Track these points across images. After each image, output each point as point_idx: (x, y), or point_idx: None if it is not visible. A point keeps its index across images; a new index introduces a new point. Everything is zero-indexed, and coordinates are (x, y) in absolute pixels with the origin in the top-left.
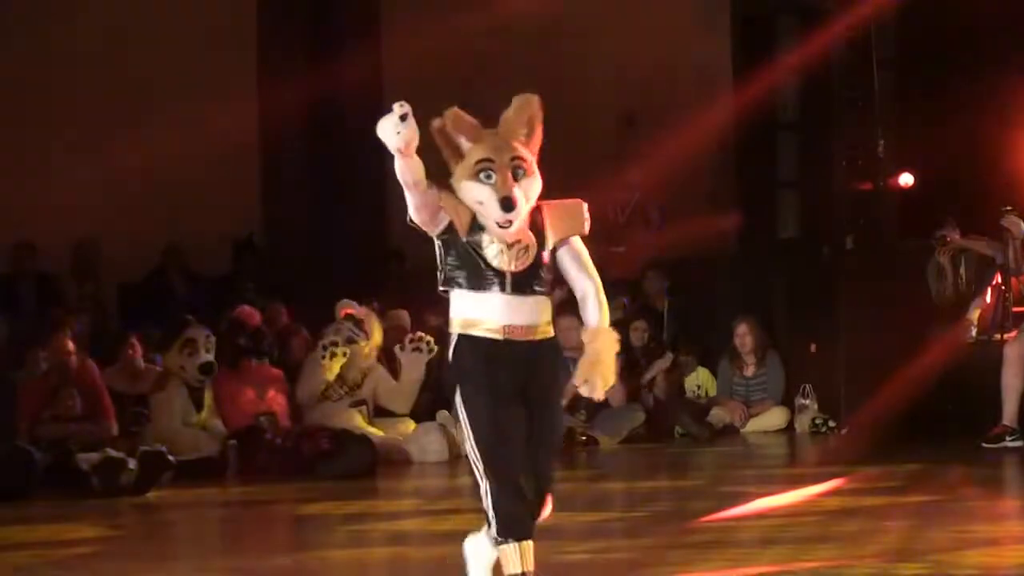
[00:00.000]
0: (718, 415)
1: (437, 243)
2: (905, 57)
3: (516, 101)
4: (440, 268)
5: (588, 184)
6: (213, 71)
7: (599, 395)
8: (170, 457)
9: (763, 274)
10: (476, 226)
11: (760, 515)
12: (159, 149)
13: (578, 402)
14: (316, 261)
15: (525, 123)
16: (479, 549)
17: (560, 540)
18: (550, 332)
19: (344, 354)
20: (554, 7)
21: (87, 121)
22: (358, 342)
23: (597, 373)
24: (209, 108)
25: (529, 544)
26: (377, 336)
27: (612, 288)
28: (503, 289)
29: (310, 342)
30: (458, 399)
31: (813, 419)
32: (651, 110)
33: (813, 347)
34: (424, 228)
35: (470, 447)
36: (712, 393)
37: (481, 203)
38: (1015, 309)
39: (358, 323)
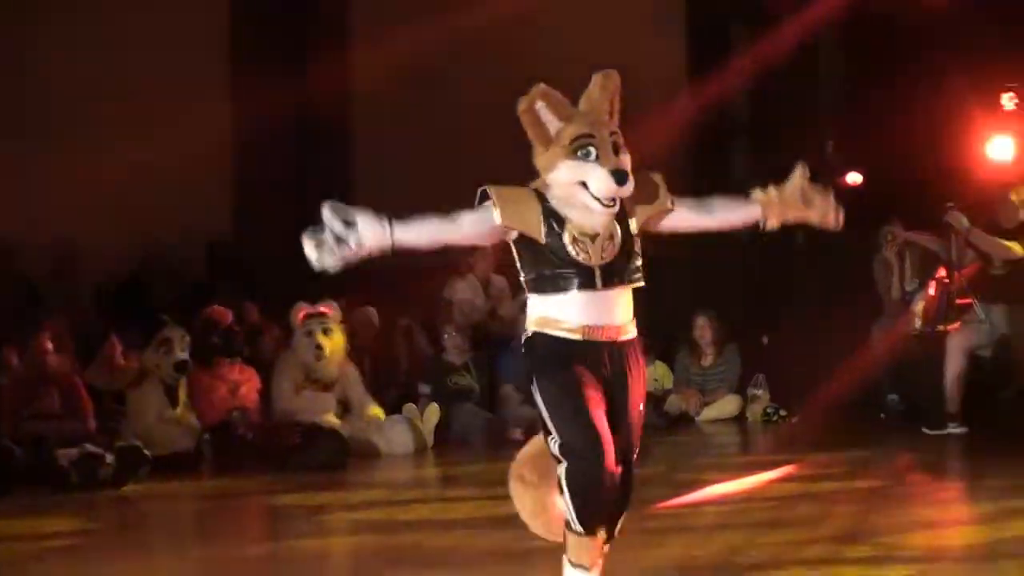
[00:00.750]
0: (674, 403)
1: (512, 247)
2: (852, 62)
3: (597, 79)
4: (521, 270)
5: None
6: (188, 76)
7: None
8: (146, 452)
9: (718, 269)
10: (551, 224)
11: (714, 501)
12: (135, 153)
13: None
14: (287, 262)
15: (608, 100)
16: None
17: (523, 528)
18: (634, 331)
19: (325, 330)
20: (514, 16)
21: (64, 125)
22: (330, 336)
23: (816, 199)
24: (184, 112)
25: (599, 540)
26: (339, 334)
27: None
28: (593, 286)
29: (281, 340)
30: (536, 394)
31: (765, 408)
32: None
33: (765, 339)
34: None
35: (551, 441)
36: (669, 385)
37: (584, 182)
38: (958, 301)
39: (322, 316)
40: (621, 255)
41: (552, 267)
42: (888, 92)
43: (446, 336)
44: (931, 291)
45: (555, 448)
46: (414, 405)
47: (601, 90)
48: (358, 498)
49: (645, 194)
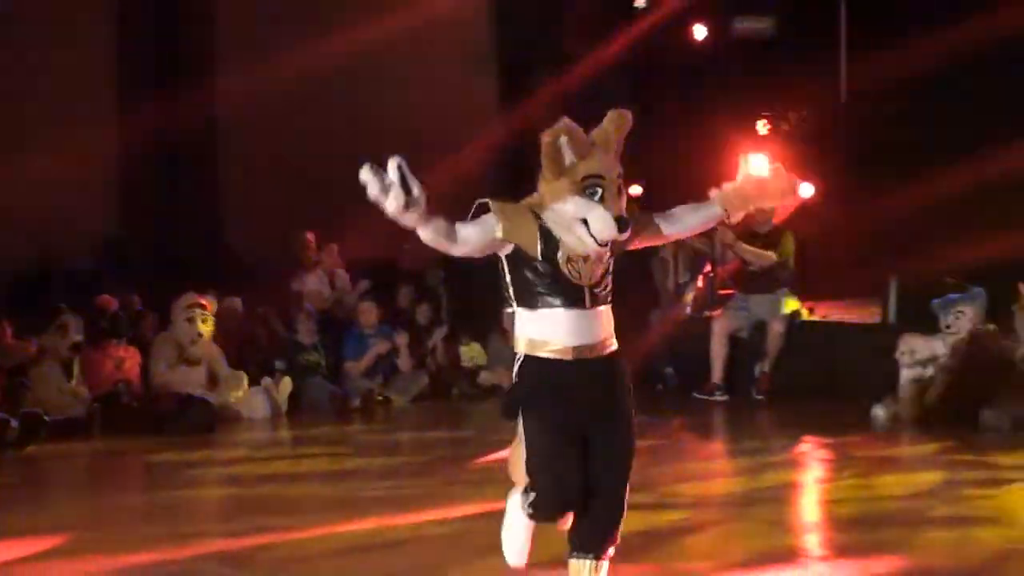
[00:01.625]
0: (487, 377)
1: (503, 261)
2: (635, 91)
3: (613, 117)
4: (506, 286)
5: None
6: (82, 99)
7: (797, 188)
8: (46, 417)
9: None
10: (548, 242)
11: None
12: (37, 168)
13: (376, 367)
14: (164, 260)
15: (619, 141)
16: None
17: (361, 480)
18: (615, 344)
19: (204, 320)
20: (358, 53)
21: None
22: (207, 324)
23: (769, 183)
24: (80, 131)
25: (531, 529)
26: (211, 321)
27: (400, 278)
28: (582, 304)
29: (158, 324)
30: (520, 423)
31: None
32: (436, 138)
33: None
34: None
35: (525, 467)
36: (482, 362)
37: (585, 220)
38: (721, 292)
39: (203, 307)
40: (605, 275)
41: (544, 284)
42: (664, 117)
43: (298, 320)
44: (699, 283)
45: (526, 471)
46: (270, 379)
47: (616, 129)
48: (224, 456)
49: (635, 221)
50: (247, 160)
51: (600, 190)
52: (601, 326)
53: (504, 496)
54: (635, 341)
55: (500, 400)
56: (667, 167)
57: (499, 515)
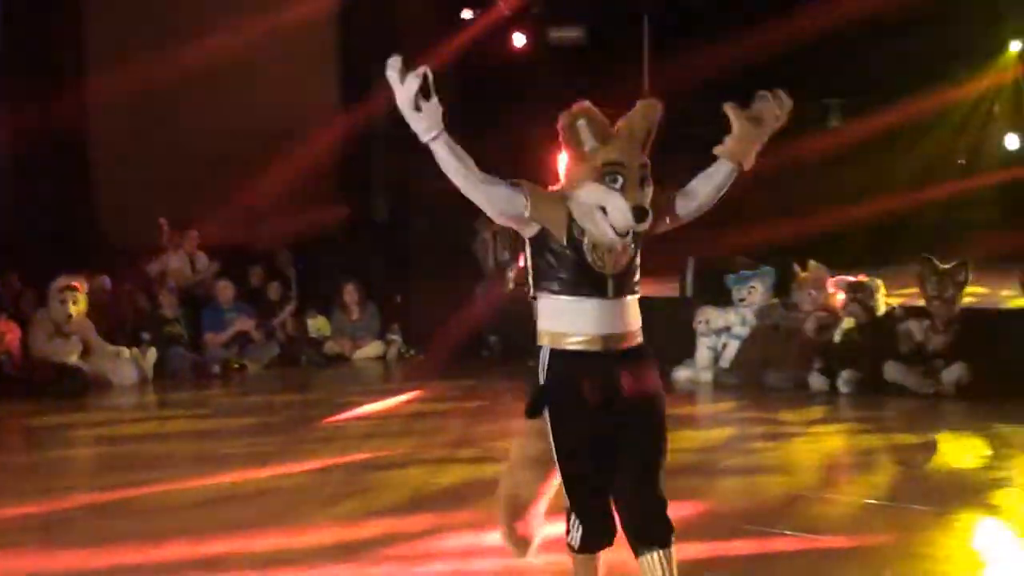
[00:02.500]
0: (331, 347)
1: (528, 245)
2: (466, 92)
3: (641, 106)
4: (530, 271)
5: (248, 183)
6: None
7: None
8: None
9: (364, 246)
10: (575, 228)
11: (362, 417)
12: None
13: (236, 339)
14: (42, 243)
15: (645, 131)
16: None
17: (219, 439)
18: (642, 336)
19: (75, 301)
20: (219, 56)
21: None
22: (77, 304)
23: (762, 112)
24: None
25: (598, 558)
26: (83, 300)
27: (252, 259)
28: (604, 294)
29: (36, 301)
30: (547, 415)
31: (399, 349)
32: (285, 134)
33: (399, 298)
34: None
35: (557, 463)
36: (327, 333)
37: (604, 207)
38: None
39: (75, 289)
40: (631, 266)
41: (567, 270)
42: (489, 116)
43: (161, 296)
44: (520, 261)
45: (561, 479)
46: (137, 349)
47: (642, 118)
48: (96, 419)
49: (655, 205)
50: (118, 153)
51: (620, 178)
52: (627, 316)
53: (352, 447)
54: (463, 312)
55: (525, 399)
56: (492, 162)
57: (343, 468)
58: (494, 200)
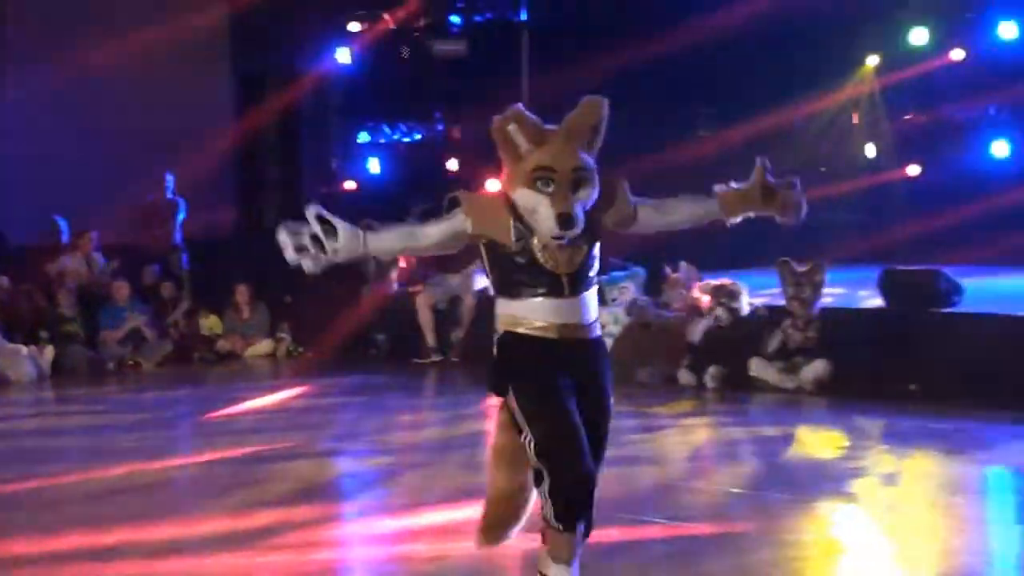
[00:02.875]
0: (223, 345)
1: (482, 249)
2: (351, 103)
3: (584, 104)
4: (488, 273)
5: (147, 186)
6: None
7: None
8: None
9: (255, 249)
10: (520, 231)
11: (252, 412)
12: None
13: (127, 335)
14: None
15: (591, 128)
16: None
17: (115, 433)
18: (599, 331)
19: None
20: (120, 64)
21: None
22: None
23: (779, 195)
24: None
25: (576, 536)
26: None
27: (145, 261)
28: (561, 293)
29: None
30: (511, 398)
31: (288, 347)
32: (183, 139)
33: (288, 298)
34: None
35: (527, 442)
36: (219, 332)
37: (535, 212)
38: (423, 272)
39: None
40: (586, 264)
41: (522, 273)
42: (380, 124)
43: (59, 295)
44: (402, 263)
45: (532, 449)
46: (36, 346)
47: (583, 116)
48: None
49: (609, 203)
50: (16, 154)
51: (551, 183)
52: (584, 311)
53: (240, 441)
54: (350, 312)
55: (487, 378)
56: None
57: (233, 461)
58: (442, 242)
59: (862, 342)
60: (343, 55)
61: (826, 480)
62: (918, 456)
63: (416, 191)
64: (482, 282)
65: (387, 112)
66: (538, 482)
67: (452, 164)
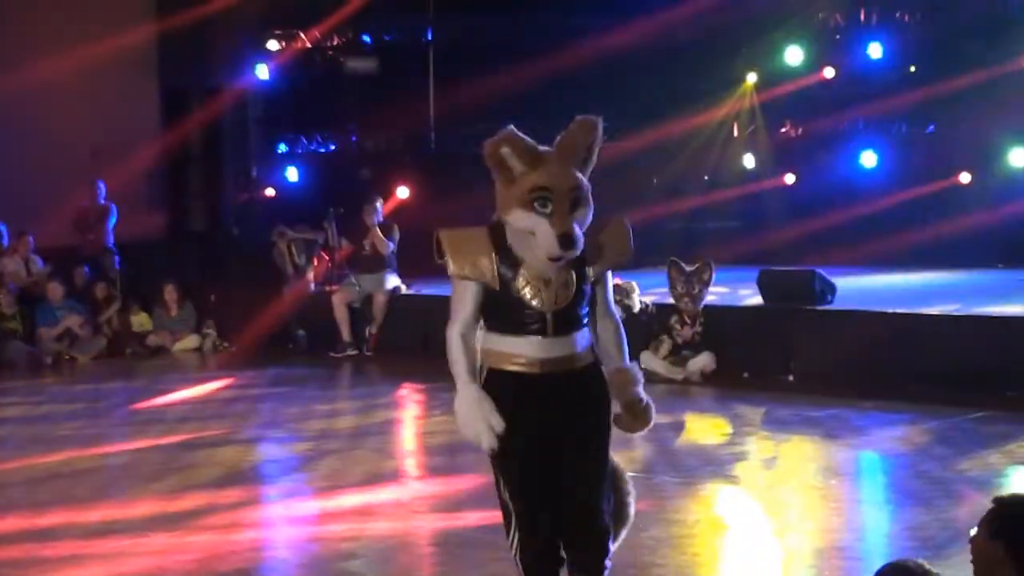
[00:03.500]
0: (153, 340)
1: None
2: (271, 116)
3: (577, 124)
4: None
5: (77, 192)
6: None
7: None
8: None
9: (182, 251)
10: (506, 267)
11: (181, 402)
12: None
13: (67, 333)
14: None
15: (585, 148)
16: None
17: (53, 422)
18: (591, 358)
19: None
20: (54, 79)
21: None
22: None
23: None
24: None
25: None
26: None
27: (79, 262)
28: (544, 332)
29: None
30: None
31: (213, 342)
32: (112, 150)
33: (213, 297)
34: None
35: (501, 491)
36: (149, 328)
37: (533, 234)
38: (337, 272)
39: None
40: (575, 302)
41: (506, 311)
42: (296, 136)
43: (2, 297)
44: (316, 264)
45: (505, 499)
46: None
47: (577, 136)
48: None
49: (610, 244)
50: None
51: (549, 204)
52: (570, 346)
53: (172, 429)
54: (270, 309)
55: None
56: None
57: (164, 448)
58: (472, 295)
59: (743, 337)
60: (262, 71)
61: (711, 464)
62: (795, 441)
63: (331, 198)
64: (394, 281)
65: (303, 124)
66: (508, 528)
67: (364, 173)
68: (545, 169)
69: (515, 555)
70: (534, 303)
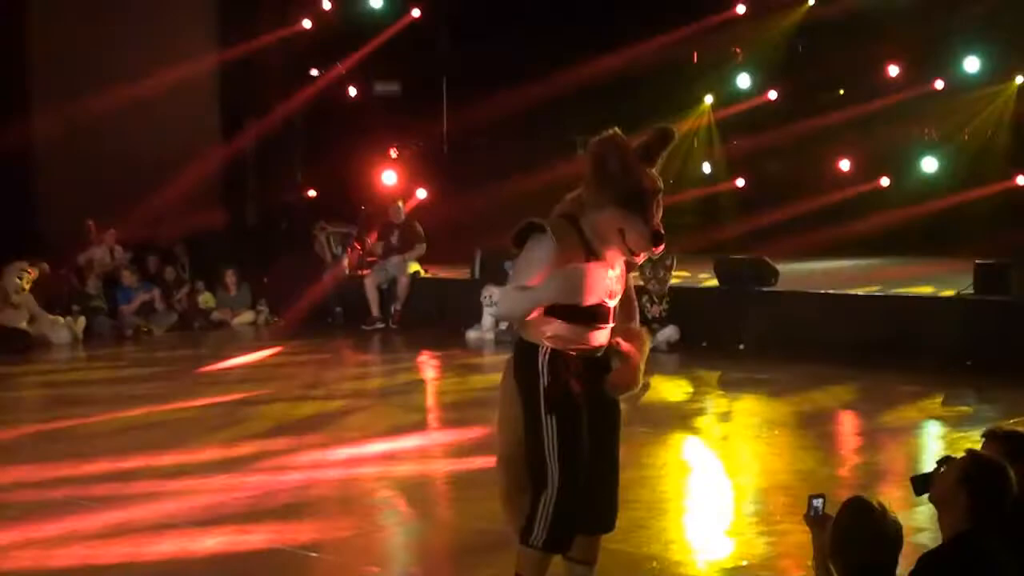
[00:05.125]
0: (216, 316)
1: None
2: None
3: (660, 130)
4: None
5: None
6: None
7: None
8: None
9: (240, 241)
10: (589, 258)
11: (238, 367)
12: None
13: (141, 309)
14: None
15: (664, 155)
16: None
17: (133, 383)
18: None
19: (29, 282)
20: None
21: None
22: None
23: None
24: None
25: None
26: (27, 279)
27: (154, 250)
28: (606, 321)
29: None
30: (543, 410)
31: (266, 317)
32: (182, 159)
33: (265, 280)
34: None
35: (548, 455)
36: (213, 305)
37: (624, 231)
38: (368, 259)
39: (26, 270)
40: (624, 295)
41: (585, 302)
42: (331, 147)
43: (88, 279)
44: (350, 254)
45: (544, 472)
46: (70, 317)
47: (661, 142)
48: (39, 369)
49: (637, 239)
50: (55, 171)
51: (644, 204)
52: (609, 334)
53: (229, 390)
54: (313, 290)
55: (542, 399)
56: (333, 180)
57: (224, 404)
58: (554, 280)
59: (702, 313)
60: (304, 94)
61: (676, 417)
62: (745, 399)
63: (361, 198)
64: (414, 267)
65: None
66: (538, 505)
67: (389, 176)
68: (639, 171)
69: (543, 513)
70: (606, 297)
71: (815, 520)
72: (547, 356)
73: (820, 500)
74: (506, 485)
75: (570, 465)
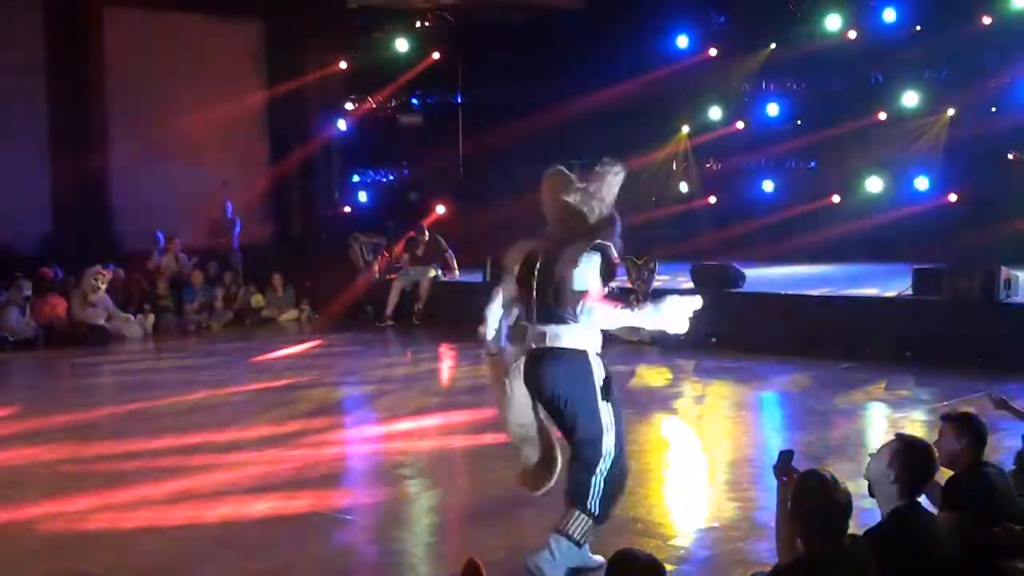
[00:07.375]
0: (266, 314)
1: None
2: (347, 155)
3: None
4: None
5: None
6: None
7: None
8: (9, 338)
9: (286, 251)
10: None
11: (284, 356)
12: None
13: (202, 307)
14: (81, 248)
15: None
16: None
17: (195, 371)
18: None
19: (101, 281)
20: (196, 131)
21: None
22: (99, 283)
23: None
24: (16, 177)
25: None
26: (103, 281)
27: (212, 259)
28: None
29: (74, 284)
30: (605, 404)
31: (308, 315)
32: (237, 180)
33: (308, 283)
34: None
35: (610, 441)
36: (263, 304)
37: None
38: (397, 265)
39: (101, 274)
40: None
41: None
42: (366, 168)
43: (157, 281)
44: (380, 261)
45: (598, 448)
46: (142, 315)
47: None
48: (115, 359)
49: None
50: (128, 191)
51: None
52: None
53: (272, 377)
54: (348, 291)
55: (598, 391)
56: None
57: (272, 389)
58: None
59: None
60: (341, 124)
61: (657, 401)
62: (717, 384)
63: (389, 213)
64: (434, 272)
65: (370, 161)
66: (595, 477)
67: (413, 196)
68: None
69: (595, 487)
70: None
71: (781, 470)
72: (595, 359)
73: (788, 454)
74: (524, 459)
75: (620, 438)
